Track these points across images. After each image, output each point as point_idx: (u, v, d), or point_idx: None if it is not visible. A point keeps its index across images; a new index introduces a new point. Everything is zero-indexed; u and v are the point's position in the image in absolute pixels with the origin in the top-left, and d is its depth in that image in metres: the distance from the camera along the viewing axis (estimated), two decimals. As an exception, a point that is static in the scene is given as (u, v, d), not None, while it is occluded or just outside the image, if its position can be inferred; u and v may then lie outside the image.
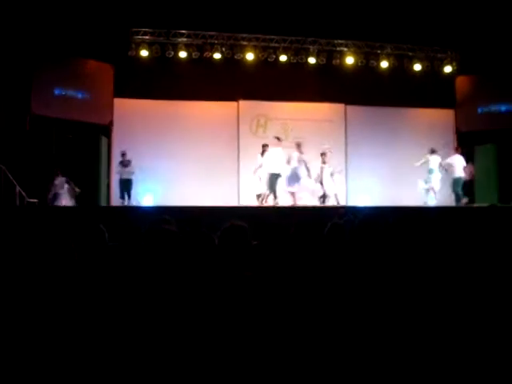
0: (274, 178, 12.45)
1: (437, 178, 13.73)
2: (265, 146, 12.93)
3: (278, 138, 12.92)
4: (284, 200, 12.85)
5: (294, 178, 12.51)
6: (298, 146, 12.76)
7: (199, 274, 2.69)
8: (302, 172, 12.57)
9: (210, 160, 14.15)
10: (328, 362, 2.43)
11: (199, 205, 11.47)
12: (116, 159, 14.22)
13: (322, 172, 13.60)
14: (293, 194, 12.68)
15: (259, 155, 12.95)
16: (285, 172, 12.57)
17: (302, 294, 2.73)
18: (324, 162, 13.67)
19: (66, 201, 12.43)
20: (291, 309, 2.57)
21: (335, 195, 13.74)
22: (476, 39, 14.77)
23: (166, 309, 2.35)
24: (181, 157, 14.43)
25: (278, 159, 12.48)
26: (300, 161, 12.55)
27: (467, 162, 14.73)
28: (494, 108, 16.16)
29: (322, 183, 13.59)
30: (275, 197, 12.47)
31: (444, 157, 13.99)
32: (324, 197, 13.71)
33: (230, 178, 14.77)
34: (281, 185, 12.65)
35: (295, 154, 12.62)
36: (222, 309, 2.18)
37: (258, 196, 12.99)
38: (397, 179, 15.13)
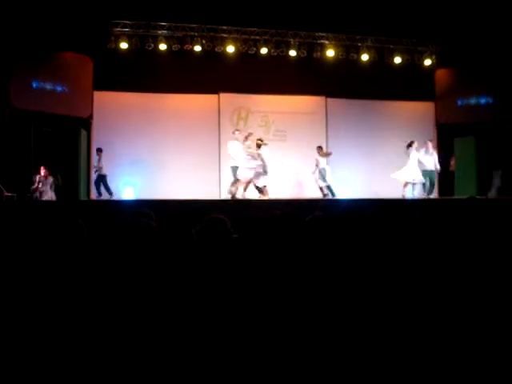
0: (233, 171, 12.61)
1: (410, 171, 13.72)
2: (259, 140, 13.01)
3: (261, 141, 12.96)
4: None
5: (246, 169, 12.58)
6: (246, 137, 12.70)
7: (176, 268, 2.68)
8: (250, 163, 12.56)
9: (191, 153, 14.10)
10: (312, 355, 2.43)
11: (180, 198, 11.45)
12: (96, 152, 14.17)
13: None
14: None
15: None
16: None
17: (281, 287, 2.73)
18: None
19: (50, 196, 12.39)
20: (269, 300, 2.57)
21: (322, 188, 13.87)
22: (455, 33, 14.86)
23: (142, 304, 2.34)
24: (161, 150, 14.39)
25: (234, 152, 12.58)
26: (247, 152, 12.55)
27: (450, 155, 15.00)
28: (473, 101, 16.31)
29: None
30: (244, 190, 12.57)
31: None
32: (322, 190, 13.89)
33: (211, 170, 14.73)
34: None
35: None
36: (198, 304, 2.18)
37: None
38: (377, 172, 15.21)
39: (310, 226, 3.58)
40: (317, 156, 14.01)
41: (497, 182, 14.42)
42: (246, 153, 12.46)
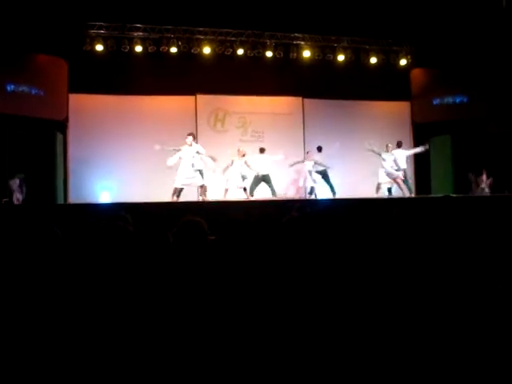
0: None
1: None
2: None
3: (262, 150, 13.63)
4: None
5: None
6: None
7: (153, 271, 2.67)
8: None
9: (168, 155, 13.98)
10: (296, 357, 2.43)
11: (157, 201, 11.40)
12: (72, 156, 14.05)
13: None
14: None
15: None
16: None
17: (259, 288, 2.73)
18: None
19: (20, 196, 12.24)
20: (248, 302, 2.57)
21: (312, 188, 13.97)
22: (430, 33, 15.01)
23: (119, 307, 2.33)
24: (138, 152, 14.27)
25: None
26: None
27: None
28: (448, 99, 16.48)
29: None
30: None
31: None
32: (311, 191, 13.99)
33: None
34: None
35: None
36: (176, 306, 2.17)
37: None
38: (354, 171, 15.31)
39: (287, 227, 3.59)
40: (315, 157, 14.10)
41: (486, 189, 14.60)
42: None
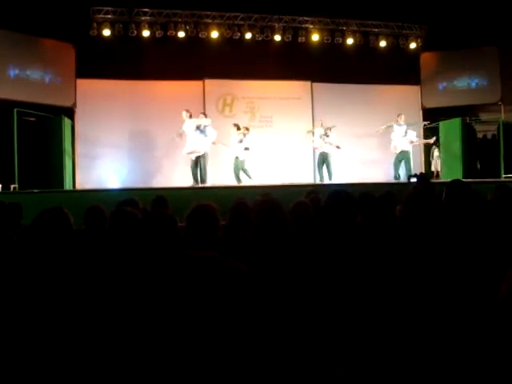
0: None
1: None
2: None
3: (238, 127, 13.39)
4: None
5: None
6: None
7: (163, 257, 2.65)
8: None
9: (176, 140, 13.98)
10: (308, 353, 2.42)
11: (165, 186, 11.42)
12: (80, 141, 14.07)
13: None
14: None
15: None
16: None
17: (273, 273, 2.73)
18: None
19: None
20: (261, 288, 2.55)
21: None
22: (440, 15, 14.84)
23: (130, 296, 2.31)
24: (146, 137, 14.29)
25: None
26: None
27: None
28: (458, 84, 16.37)
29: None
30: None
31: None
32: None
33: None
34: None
35: None
36: (189, 296, 2.15)
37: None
38: (363, 156, 15.28)
39: (295, 212, 3.58)
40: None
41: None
42: None
